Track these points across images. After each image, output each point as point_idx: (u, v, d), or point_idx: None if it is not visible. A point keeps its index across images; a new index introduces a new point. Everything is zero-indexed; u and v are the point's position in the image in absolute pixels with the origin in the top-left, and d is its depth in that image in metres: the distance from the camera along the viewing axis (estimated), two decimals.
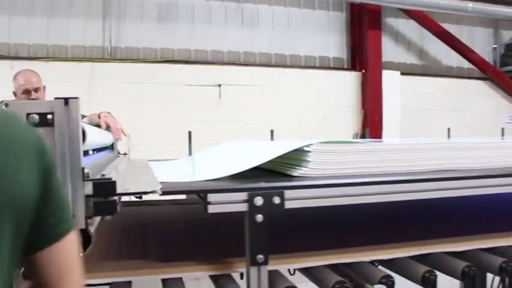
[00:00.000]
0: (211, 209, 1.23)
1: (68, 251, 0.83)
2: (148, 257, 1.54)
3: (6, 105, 0.93)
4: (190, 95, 5.60)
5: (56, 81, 5.25)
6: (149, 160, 2.32)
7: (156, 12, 5.72)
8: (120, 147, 2.67)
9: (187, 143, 3.99)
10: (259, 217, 1.25)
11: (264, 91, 5.87)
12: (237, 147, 2.24)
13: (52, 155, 0.83)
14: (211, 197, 1.22)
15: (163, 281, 1.44)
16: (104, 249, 1.59)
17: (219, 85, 5.72)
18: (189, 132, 3.10)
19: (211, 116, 5.60)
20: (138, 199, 2.00)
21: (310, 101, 6.03)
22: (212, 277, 1.49)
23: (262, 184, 1.33)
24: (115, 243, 1.74)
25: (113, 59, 5.55)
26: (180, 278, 1.44)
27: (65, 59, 5.46)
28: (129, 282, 1.41)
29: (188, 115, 5.52)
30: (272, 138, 3.76)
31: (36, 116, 0.93)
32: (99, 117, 2.40)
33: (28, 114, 0.93)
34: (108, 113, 2.47)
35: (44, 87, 3.09)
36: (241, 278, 1.49)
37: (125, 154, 2.59)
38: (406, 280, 1.55)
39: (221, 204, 1.23)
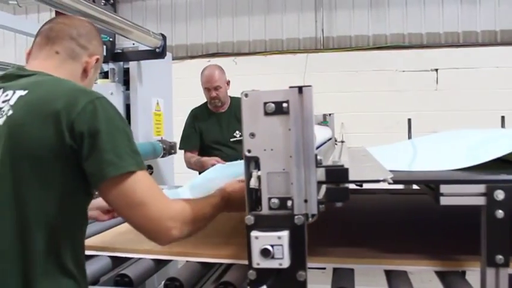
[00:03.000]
0: (444, 201, 1.13)
1: (115, 193, 1.10)
2: (371, 246, 1.51)
3: (246, 95, 1.00)
4: (405, 81, 5.39)
5: (273, 72, 5.62)
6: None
7: None
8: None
9: (401, 131, 3.84)
10: (500, 213, 1.11)
11: (487, 73, 5.30)
12: (462, 135, 2.05)
13: (92, 122, 1.09)
14: (444, 188, 1.13)
15: (387, 272, 1.40)
16: (329, 235, 1.62)
17: (436, 69, 5.37)
18: (409, 120, 2.96)
19: (427, 103, 5.30)
20: (358, 187, 1.99)
21: None
22: (438, 273, 1.39)
23: (504, 176, 1.18)
24: (338, 230, 1.76)
25: (325, 48, 5.66)
26: (405, 272, 1.38)
27: (281, 52, 5.78)
28: (352, 270, 1.41)
29: (403, 102, 5.33)
30: (503, 126, 3.36)
31: (272, 105, 0.98)
32: None
33: (265, 104, 0.99)
34: None
35: (228, 82, 3.22)
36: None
37: (342, 142, 2.60)
38: None
39: (455, 196, 1.13)
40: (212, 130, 3.23)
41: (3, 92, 1.17)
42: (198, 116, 3.29)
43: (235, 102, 3.25)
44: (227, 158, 3.11)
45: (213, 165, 2.75)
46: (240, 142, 3.12)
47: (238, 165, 1.96)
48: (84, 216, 1.22)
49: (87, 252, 1.62)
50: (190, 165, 3.25)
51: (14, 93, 1.15)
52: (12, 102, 1.13)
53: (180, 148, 3.41)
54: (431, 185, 1.22)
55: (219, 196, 1.34)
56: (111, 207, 1.17)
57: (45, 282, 1.10)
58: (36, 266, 1.09)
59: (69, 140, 1.07)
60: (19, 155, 1.08)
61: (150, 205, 1.12)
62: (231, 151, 3.17)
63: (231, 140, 3.18)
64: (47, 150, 1.07)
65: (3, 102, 1.15)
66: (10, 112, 1.12)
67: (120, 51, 3.39)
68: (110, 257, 1.61)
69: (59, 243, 1.12)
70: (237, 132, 3.18)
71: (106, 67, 3.41)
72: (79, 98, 1.12)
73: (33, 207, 1.08)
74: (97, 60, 1.36)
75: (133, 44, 3.29)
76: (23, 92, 1.14)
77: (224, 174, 1.90)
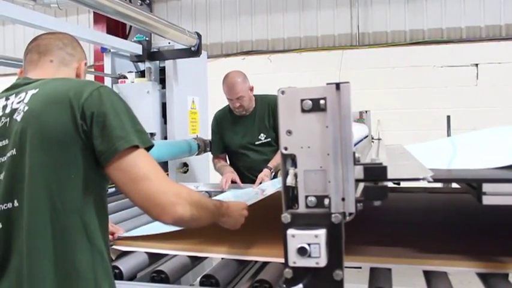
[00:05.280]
0: (487, 201, 1.10)
1: (122, 167, 1.17)
2: (409, 246, 1.48)
3: (283, 92, 1.00)
4: (444, 77, 5.26)
5: (308, 70, 5.58)
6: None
7: None
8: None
9: (440, 128, 3.75)
10: None
11: None
12: (504, 132, 1.99)
13: (99, 105, 1.19)
14: (486, 187, 1.10)
15: (426, 273, 1.37)
16: (365, 233, 1.60)
17: (476, 64, 5.21)
18: (448, 117, 2.88)
19: (467, 99, 5.15)
20: (396, 185, 1.96)
21: None
22: (480, 275, 1.35)
23: None
24: (375, 229, 1.73)
25: (361, 45, 5.59)
26: (445, 273, 1.35)
27: (316, 49, 5.74)
28: (389, 270, 1.38)
29: (441, 99, 5.20)
30: None
31: (310, 102, 0.97)
32: None
33: (302, 100, 0.98)
34: None
35: (252, 88, 3.11)
36: None
37: (379, 139, 2.56)
38: None
39: (499, 195, 1.09)
40: (237, 135, 3.16)
41: (16, 96, 1.29)
42: (221, 121, 3.22)
43: (260, 102, 3.17)
44: (253, 163, 3.07)
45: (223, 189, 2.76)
46: (265, 145, 3.09)
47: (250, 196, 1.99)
48: (105, 198, 1.30)
49: (125, 248, 1.65)
50: (215, 169, 3.24)
51: (26, 93, 1.26)
52: (26, 100, 1.24)
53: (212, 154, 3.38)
54: (473, 183, 1.19)
55: (219, 203, 1.45)
56: (116, 185, 1.21)
57: (77, 257, 1.18)
58: (68, 243, 1.17)
59: (80, 121, 1.17)
60: (44, 142, 1.17)
61: (156, 179, 1.19)
62: (256, 155, 3.11)
63: (256, 143, 3.13)
64: (64, 133, 1.17)
65: (18, 103, 1.26)
66: (26, 108, 1.22)
67: (156, 50, 3.44)
68: (147, 253, 1.63)
69: (87, 222, 1.20)
70: (262, 134, 3.12)
71: (142, 66, 3.46)
72: (86, 86, 1.23)
73: (60, 189, 1.17)
74: (85, 64, 1.51)
75: (169, 43, 3.33)
76: (34, 91, 1.26)
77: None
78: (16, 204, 1.18)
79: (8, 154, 1.21)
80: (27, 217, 1.16)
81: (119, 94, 1.31)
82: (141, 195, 1.18)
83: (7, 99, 1.29)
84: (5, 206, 1.19)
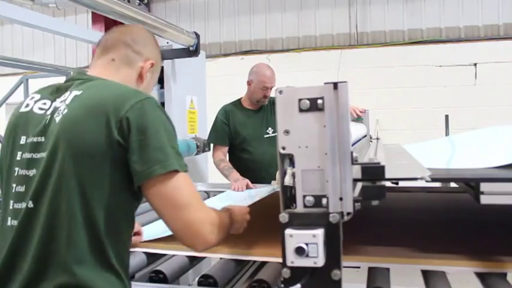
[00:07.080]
0: (484, 200, 1.10)
1: (163, 193, 1.12)
2: (407, 245, 1.48)
3: (281, 92, 1.00)
4: (442, 76, 5.26)
5: (307, 69, 5.58)
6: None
7: None
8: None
9: (439, 128, 3.75)
10: None
11: None
12: (503, 132, 1.99)
13: (140, 120, 1.12)
14: (484, 187, 1.10)
15: (424, 272, 1.37)
16: (364, 233, 1.60)
17: (475, 64, 5.21)
18: (446, 116, 2.88)
19: (466, 99, 5.15)
20: (394, 185, 1.96)
21: None
22: (478, 275, 1.35)
23: None
24: (373, 228, 1.73)
25: (359, 44, 5.59)
26: (443, 272, 1.35)
27: (315, 49, 5.74)
28: (387, 269, 1.39)
29: (440, 98, 5.20)
30: None
31: (307, 102, 0.97)
32: None
33: (300, 100, 0.98)
34: None
35: None
36: None
37: (378, 139, 2.56)
38: None
39: (496, 195, 1.10)
40: (247, 125, 3.21)
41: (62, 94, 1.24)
42: (231, 111, 3.26)
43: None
44: (259, 156, 3.11)
45: (235, 189, 2.74)
46: (273, 139, 3.12)
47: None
48: (130, 219, 1.23)
49: None
50: (217, 167, 3.20)
51: (70, 93, 1.21)
52: (68, 101, 1.19)
53: (209, 142, 3.37)
54: (471, 183, 1.19)
55: (229, 213, 1.39)
56: (152, 207, 1.17)
57: (87, 272, 1.10)
58: (81, 258, 1.10)
59: (117, 137, 1.11)
60: (76, 152, 1.12)
61: (195, 208, 1.15)
62: (263, 149, 3.14)
63: (265, 136, 3.18)
64: (98, 147, 1.11)
65: (61, 102, 1.21)
66: (65, 111, 1.17)
67: None
68: (145, 253, 1.63)
69: (104, 240, 1.12)
70: (270, 128, 3.18)
71: None
72: (128, 97, 1.16)
73: (83, 202, 1.11)
74: (152, 64, 1.39)
75: (168, 42, 3.32)
76: (78, 92, 1.20)
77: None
78: (31, 205, 1.13)
79: (44, 154, 1.16)
80: (45, 224, 1.11)
81: None
82: (180, 222, 1.14)
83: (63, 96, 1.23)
84: (30, 205, 1.14)
